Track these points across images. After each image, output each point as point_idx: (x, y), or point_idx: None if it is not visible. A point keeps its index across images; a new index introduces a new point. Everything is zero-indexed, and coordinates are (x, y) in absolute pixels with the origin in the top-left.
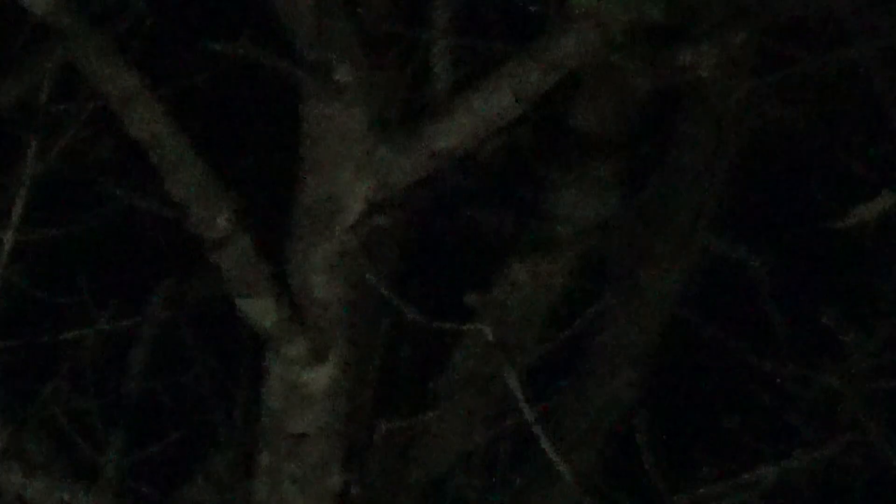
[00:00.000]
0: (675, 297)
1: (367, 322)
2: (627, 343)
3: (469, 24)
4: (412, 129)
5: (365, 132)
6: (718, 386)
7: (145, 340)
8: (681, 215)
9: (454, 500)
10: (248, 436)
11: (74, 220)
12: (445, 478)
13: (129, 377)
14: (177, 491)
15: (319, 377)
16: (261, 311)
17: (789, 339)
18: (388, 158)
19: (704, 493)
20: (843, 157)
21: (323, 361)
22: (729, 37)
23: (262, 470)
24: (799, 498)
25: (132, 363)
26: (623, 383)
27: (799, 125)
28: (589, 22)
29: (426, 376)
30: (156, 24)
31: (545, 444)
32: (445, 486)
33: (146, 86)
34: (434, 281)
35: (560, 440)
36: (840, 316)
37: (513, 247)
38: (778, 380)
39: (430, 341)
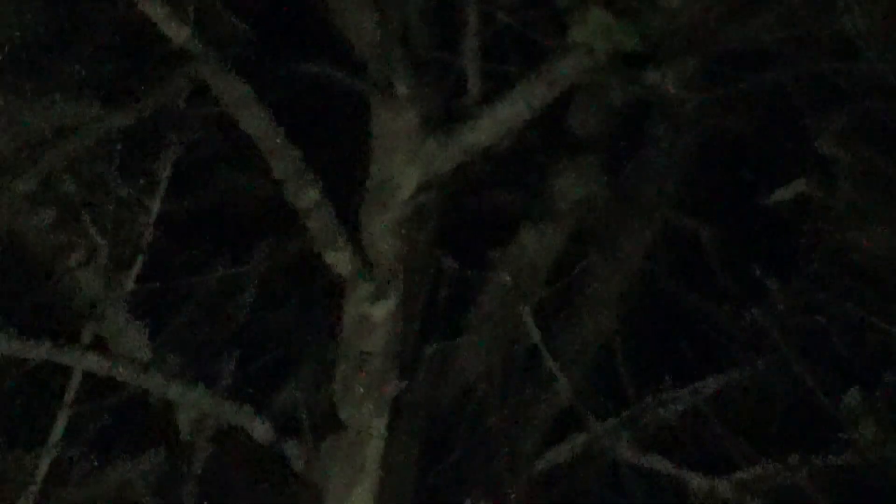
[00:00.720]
0: (642, 255)
1: (415, 269)
2: (607, 289)
3: (492, 49)
4: (450, 129)
5: (415, 132)
6: (676, 322)
7: (252, 284)
8: (648, 195)
9: (478, 405)
10: (327, 355)
11: (203, 197)
12: (473, 387)
13: (241, 310)
14: (275, 394)
15: (381, 310)
16: (339, 261)
17: (729, 287)
18: (432, 152)
19: (664, 398)
20: (772, 152)
21: (384, 299)
22: (685, 62)
23: (338, 379)
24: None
25: (243, 300)
26: (605, 318)
27: (739, 128)
28: (581, 50)
29: (459, 311)
30: (260, 48)
31: (548, 359)
32: (472, 394)
33: (254, 94)
34: (465, 240)
35: (558, 359)
36: (766, 269)
37: (523, 217)
38: (720, 317)
39: (462, 285)
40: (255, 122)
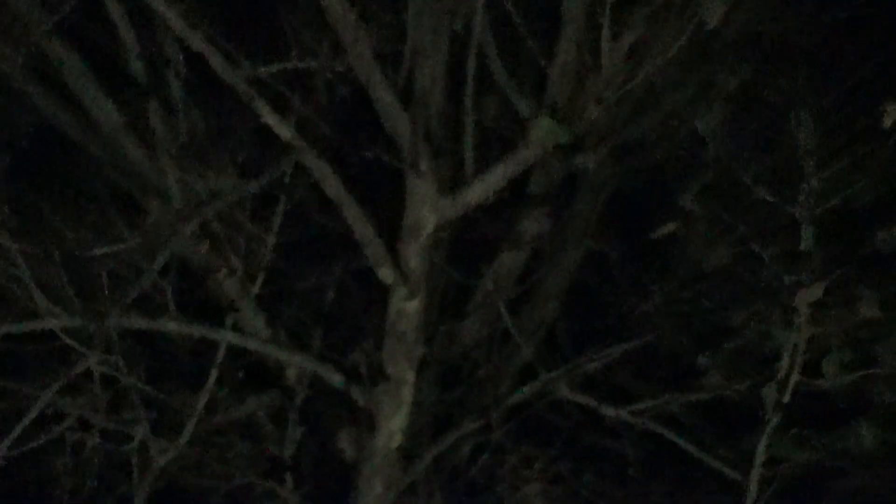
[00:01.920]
0: (575, 267)
1: (434, 278)
2: (553, 290)
3: (482, 137)
4: (455, 192)
5: (433, 193)
6: (597, 309)
7: (332, 289)
8: (578, 230)
9: (473, 362)
10: (377, 332)
11: (301, 234)
12: (469, 352)
13: (324, 304)
14: (346, 357)
15: (412, 306)
16: (386, 275)
17: (628, 287)
18: (444, 206)
19: (589, 357)
20: (654, 202)
21: (413, 299)
22: (600, 148)
23: (385, 348)
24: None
25: (326, 299)
26: (552, 307)
27: (633, 186)
28: (537, 143)
29: (461, 304)
30: (337, 140)
31: (516, 335)
32: (469, 356)
33: (333, 171)
34: (464, 259)
35: (522, 333)
36: (650, 276)
37: (501, 245)
38: (624, 306)
39: (463, 288)
40: (335, 190)
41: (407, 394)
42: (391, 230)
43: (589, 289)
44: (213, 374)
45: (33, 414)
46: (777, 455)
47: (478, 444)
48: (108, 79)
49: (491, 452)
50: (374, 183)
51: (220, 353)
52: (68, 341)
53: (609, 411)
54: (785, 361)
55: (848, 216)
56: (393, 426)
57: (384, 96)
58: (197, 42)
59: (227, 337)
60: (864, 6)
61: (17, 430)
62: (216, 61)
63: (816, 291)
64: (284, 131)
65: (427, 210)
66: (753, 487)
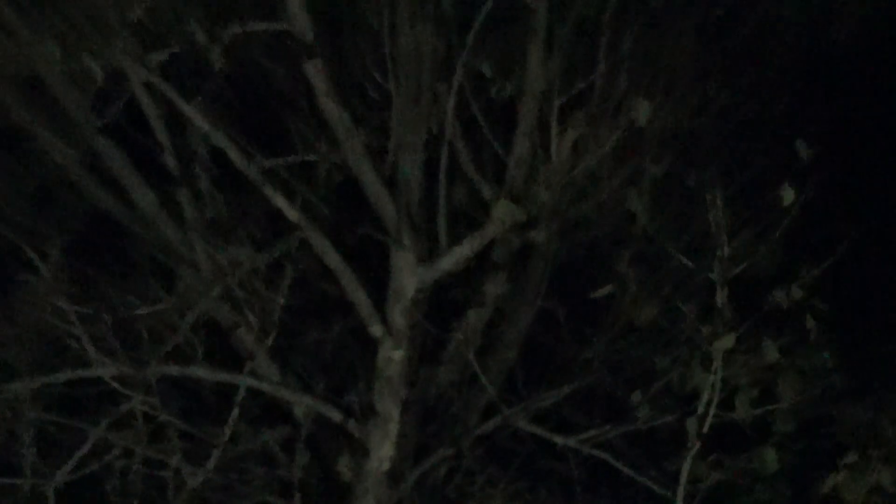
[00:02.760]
0: (529, 322)
1: (415, 332)
2: (512, 338)
3: (455, 214)
4: (431, 261)
5: (413, 263)
6: (548, 355)
7: (332, 342)
8: (532, 290)
9: (447, 400)
10: (369, 379)
11: (305, 297)
12: (445, 391)
13: (326, 353)
14: (343, 397)
15: (397, 356)
16: (376, 330)
17: (572, 337)
18: (422, 272)
19: (544, 395)
20: (593, 271)
21: (399, 350)
22: (550, 225)
23: (375, 389)
24: None
25: (328, 350)
26: (511, 353)
27: (575, 256)
28: (497, 221)
29: (438, 352)
30: (332, 220)
31: (481, 377)
32: (445, 395)
33: (333, 246)
34: (440, 317)
35: (487, 374)
36: (592, 328)
37: (468, 305)
38: (571, 352)
39: (439, 340)
40: (334, 261)
41: (393, 427)
42: (379, 293)
43: (541, 340)
44: (235, 411)
45: (87, 446)
46: (698, 475)
47: (452, 468)
48: (146, 169)
49: (462, 474)
50: (365, 255)
51: (240, 395)
52: (115, 385)
53: (559, 439)
54: (704, 398)
55: (753, 278)
56: (382, 454)
57: (373, 184)
58: (219, 139)
59: (245, 381)
60: (764, 109)
61: (74, 460)
62: (234, 155)
63: (728, 341)
64: (291, 213)
65: (408, 277)
66: (679, 502)
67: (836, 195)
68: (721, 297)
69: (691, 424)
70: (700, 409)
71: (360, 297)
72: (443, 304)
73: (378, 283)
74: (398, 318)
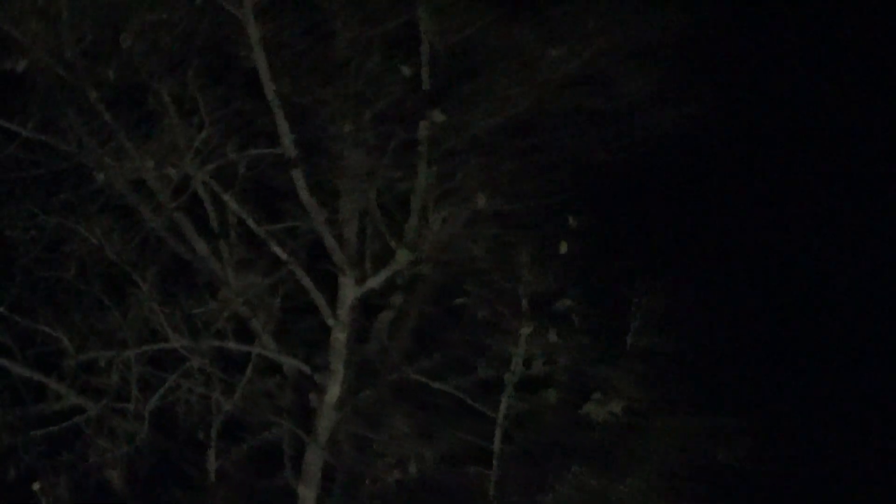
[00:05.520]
0: (417, 317)
1: (353, 324)
2: (408, 325)
3: (375, 255)
4: (362, 283)
5: (352, 284)
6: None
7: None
8: (418, 300)
9: (371, 365)
10: (327, 350)
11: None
12: (370, 357)
13: (301, 340)
14: (312, 360)
15: (342, 336)
16: (330, 322)
17: (441, 323)
18: (357, 290)
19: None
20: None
21: (343, 333)
22: (429, 264)
23: (330, 356)
24: None
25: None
26: (407, 333)
27: (445, 279)
28: (399, 261)
29: (367, 335)
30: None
31: (389, 347)
32: (369, 361)
33: (305, 274)
34: (368, 314)
35: (392, 348)
36: (449, 319)
37: (383, 307)
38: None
39: (367, 329)
40: (306, 283)
41: (339, 377)
42: (333, 300)
43: (423, 328)
44: (250, 367)
45: (167, 385)
46: (511, 405)
47: (375, 400)
48: (201, 230)
49: (378, 404)
50: (324, 279)
51: (253, 358)
52: (183, 352)
53: (432, 384)
54: (514, 362)
55: (545, 293)
56: (333, 392)
57: (329, 239)
58: (242, 214)
59: (256, 349)
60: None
61: (160, 393)
62: (252, 224)
63: (528, 329)
64: (283, 255)
65: (349, 291)
66: (500, 419)
67: (596, 246)
68: (524, 306)
69: (508, 377)
70: (513, 368)
71: (321, 303)
72: (369, 307)
73: (332, 295)
74: (343, 315)
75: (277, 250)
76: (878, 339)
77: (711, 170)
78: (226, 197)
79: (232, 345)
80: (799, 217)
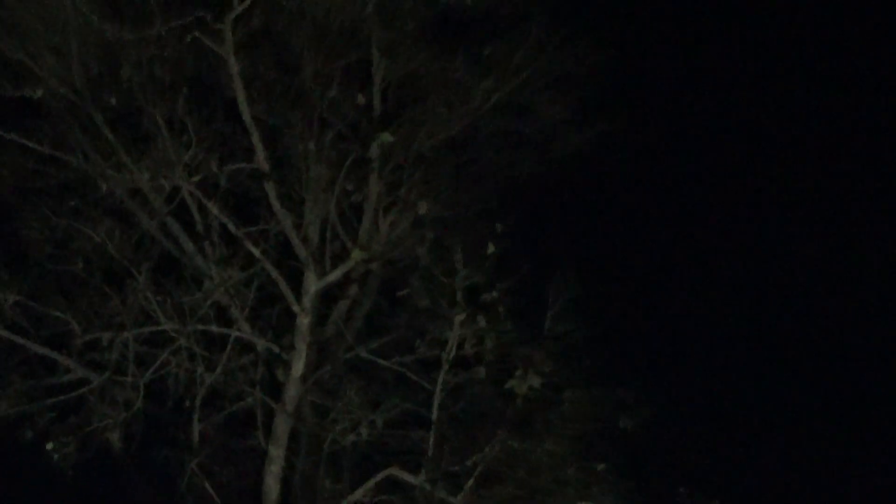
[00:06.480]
0: (369, 305)
1: (315, 311)
2: (361, 312)
3: (335, 254)
4: (323, 277)
5: (315, 277)
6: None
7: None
8: (369, 292)
9: (330, 344)
10: (292, 333)
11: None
12: (329, 339)
13: (270, 327)
14: (281, 340)
15: (306, 321)
16: (296, 310)
17: (389, 311)
18: (318, 283)
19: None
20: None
21: (306, 318)
22: (379, 262)
23: (295, 337)
24: None
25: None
26: (360, 319)
27: (393, 274)
28: (354, 258)
29: (327, 318)
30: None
31: (345, 332)
32: (328, 341)
33: (276, 272)
34: (327, 303)
35: (348, 332)
36: (396, 307)
37: (340, 297)
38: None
39: (327, 313)
40: (277, 279)
41: (302, 355)
42: (298, 291)
43: (373, 315)
44: (228, 347)
45: (159, 361)
46: (447, 379)
47: (332, 376)
48: (190, 233)
49: (336, 380)
50: (291, 273)
51: (231, 339)
52: (173, 334)
53: (381, 361)
54: (450, 343)
55: (476, 287)
56: (298, 368)
57: (295, 240)
58: (224, 221)
59: (234, 333)
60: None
61: (154, 367)
62: (231, 227)
63: (461, 317)
64: (257, 253)
65: (311, 284)
66: (437, 392)
67: (518, 247)
68: (458, 296)
69: (444, 356)
70: (448, 349)
71: (288, 294)
72: (328, 296)
73: (298, 287)
74: (307, 303)
75: (252, 249)
76: (757, 318)
77: (616, 182)
78: (209, 204)
79: (214, 328)
80: (688, 221)
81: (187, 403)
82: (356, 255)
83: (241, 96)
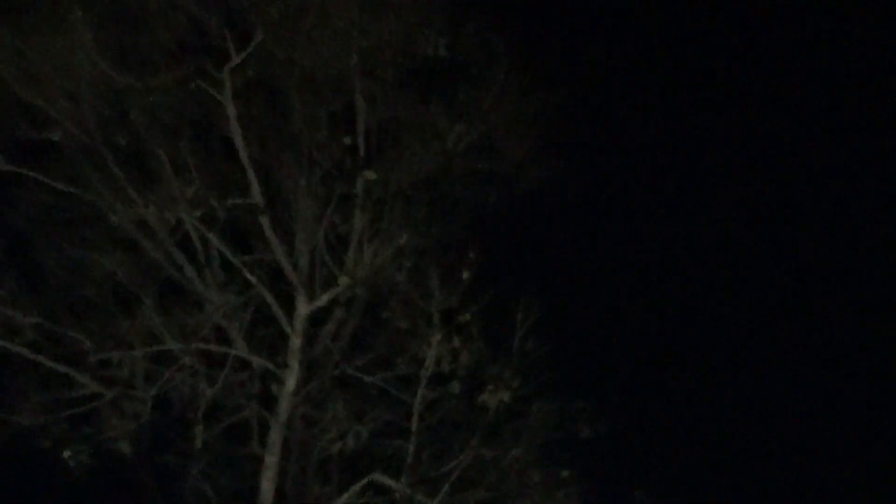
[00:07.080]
0: (355, 325)
1: (306, 332)
2: (347, 331)
3: (325, 280)
4: (313, 302)
5: (305, 301)
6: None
7: (267, 340)
8: (354, 314)
9: (320, 361)
10: (285, 352)
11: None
12: (319, 356)
13: (266, 345)
14: (275, 358)
15: (298, 342)
16: (288, 331)
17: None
18: (308, 306)
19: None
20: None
21: (298, 339)
22: (363, 288)
23: (288, 355)
24: None
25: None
26: (346, 339)
27: (377, 299)
28: (341, 284)
29: (317, 338)
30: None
31: (331, 347)
32: (317, 358)
33: (272, 296)
34: (315, 325)
35: (335, 346)
36: (377, 328)
37: (327, 319)
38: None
39: (317, 333)
40: (270, 301)
41: (295, 372)
42: (290, 314)
43: (361, 333)
44: (228, 365)
45: (166, 376)
46: (426, 395)
47: (320, 389)
48: (192, 261)
49: (324, 393)
50: (284, 298)
51: (231, 358)
52: (176, 350)
53: (366, 378)
54: (428, 361)
55: (454, 310)
56: (290, 383)
57: (287, 267)
58: (224, 251)
59: (233, 351)
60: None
61: (161, 381)
62: (229, 255)
63: (438, 338)
64: (253, 280)
65: (302, 308)
66: (417, 404)
67: (490, 274)
68: (435, 318)
69: (422, 373)
70: (426, 366)
71: (281, 316)
72: (317, 319)
73: (290, 310)
74: (298, 325)
75: (248, 276)
76: (706, 335)
77: (576, 213)
78: (210, 235)
79: (214, 347)
80: (638, 248)
81: (190, 415)
82: (342, 281)
83: (238, 138)
